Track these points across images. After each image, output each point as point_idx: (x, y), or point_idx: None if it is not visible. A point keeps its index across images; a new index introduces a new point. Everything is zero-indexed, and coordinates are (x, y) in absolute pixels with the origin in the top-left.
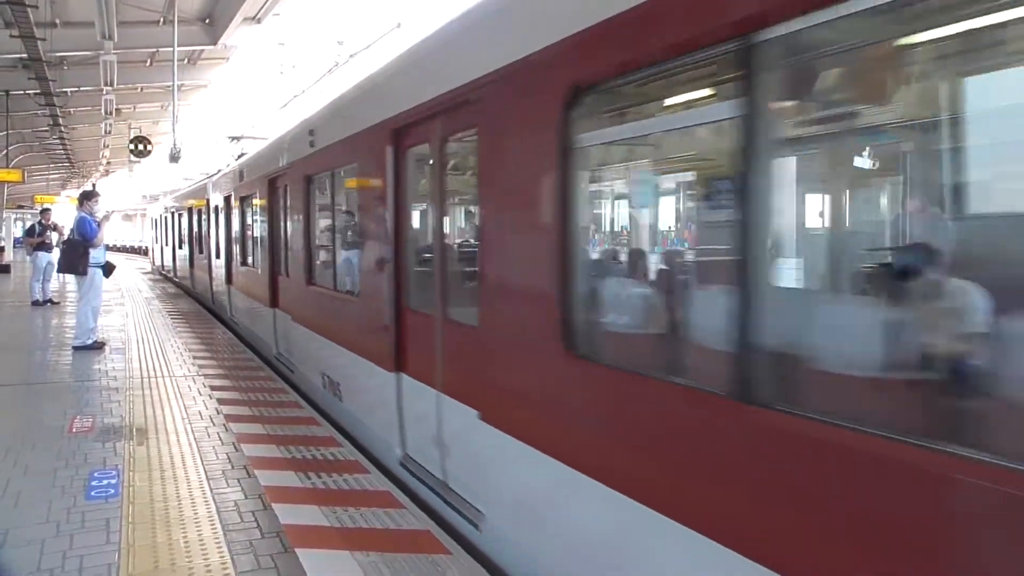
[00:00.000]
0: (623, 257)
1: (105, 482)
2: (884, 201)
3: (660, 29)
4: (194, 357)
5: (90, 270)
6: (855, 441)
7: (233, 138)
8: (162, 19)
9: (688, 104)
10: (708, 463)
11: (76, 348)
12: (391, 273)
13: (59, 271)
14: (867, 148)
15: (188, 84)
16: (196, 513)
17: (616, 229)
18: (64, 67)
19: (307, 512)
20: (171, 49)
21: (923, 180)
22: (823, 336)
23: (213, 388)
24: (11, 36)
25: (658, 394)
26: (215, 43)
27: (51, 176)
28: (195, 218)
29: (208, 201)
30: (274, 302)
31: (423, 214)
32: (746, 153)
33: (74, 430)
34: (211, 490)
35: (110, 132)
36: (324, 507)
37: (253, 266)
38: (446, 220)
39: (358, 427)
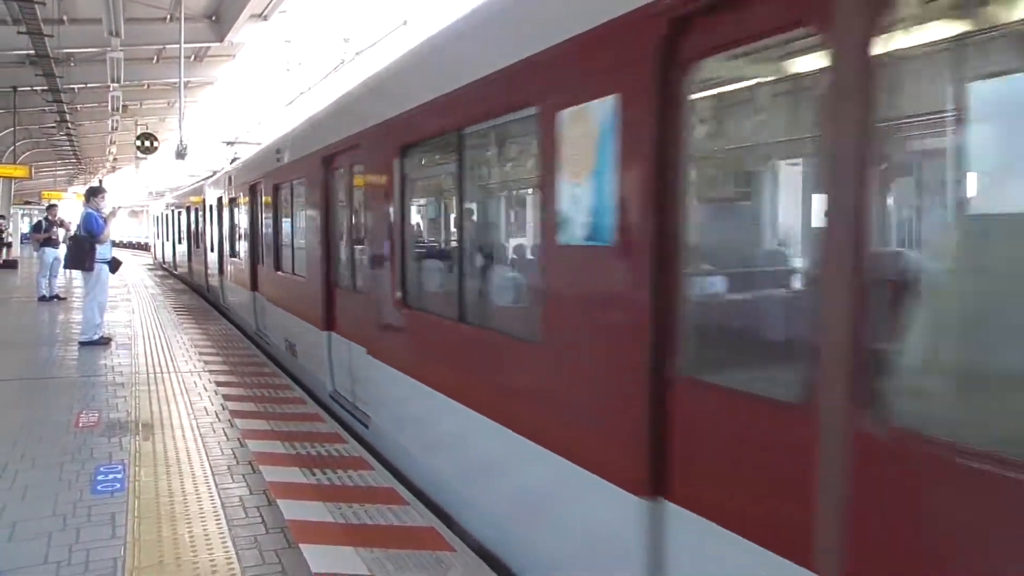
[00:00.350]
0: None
1: (111, 477)
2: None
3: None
4: (200, 353)
5: (96, 266)
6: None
7: (228, 142)
8: (169, 16)
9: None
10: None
11: (82, 344)
12: (324, 260)
13: (65, 267)
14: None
15: (195, 81)
16: (201, 508)
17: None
18: (71, 64)
19: (312, 508)
20: (178, 46)
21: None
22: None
23: (219, 384)
24: (19, 32)
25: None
26: (222, 40)
27: (58, 172)
28: (191, 216)
29: (204, 201)
30: (254, 287)
31: (344, 216)
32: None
33: (80, 425)
34: (216, 486)
35: (117, 129)
36: (329, 503)
37: (239, 258)
38: (355, 220)
39: (305, 375)
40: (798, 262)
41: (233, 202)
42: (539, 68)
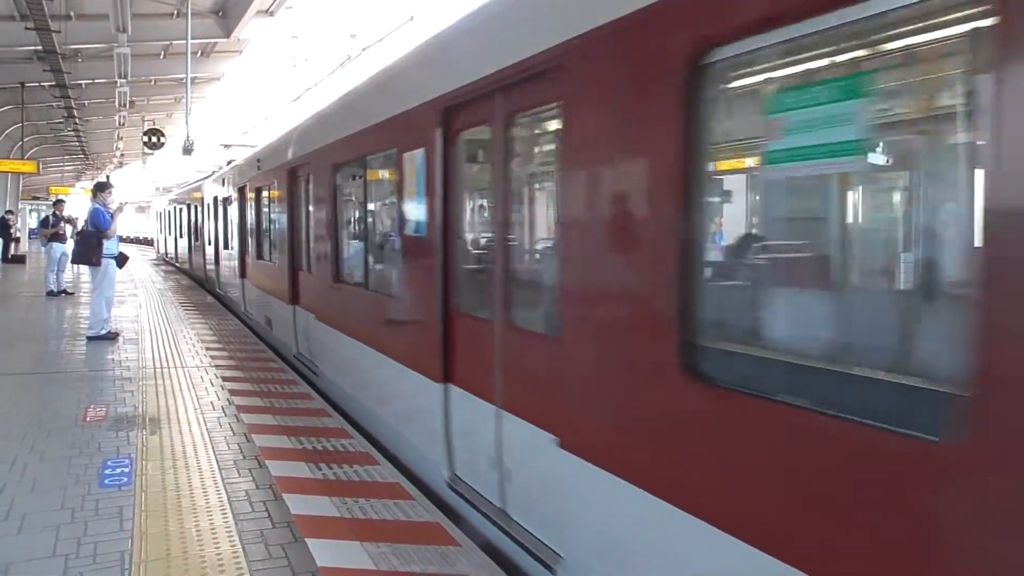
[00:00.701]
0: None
1: (119, 470)
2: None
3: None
4: (206, 348)
5: (103, 261)
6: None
7: (226, 145)
8: (176, 12)
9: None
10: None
11: (90, 338)
12: (290, 248)
13: (73, 262)
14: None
15: (201, 77)
16: (208, 502)
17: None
18: (79, 59)
19: (317, 503)
20: (184, 42)
21: None
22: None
23: (225, 379)
24: (26, 28)
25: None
26: (228, 36)
27: (65, 168)
28: (190, 214)
29: (201, 199)
30: (243, 275)
31: (302, 215)
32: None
33: (88, 419)
34: (223, 480)
35: (124, 124)
36: (334, 498)
37: (231, 250)
38: (310, 219)
39: (279, 345)
40: (493, 253)
41: (225, 201)
42: (396, 126)
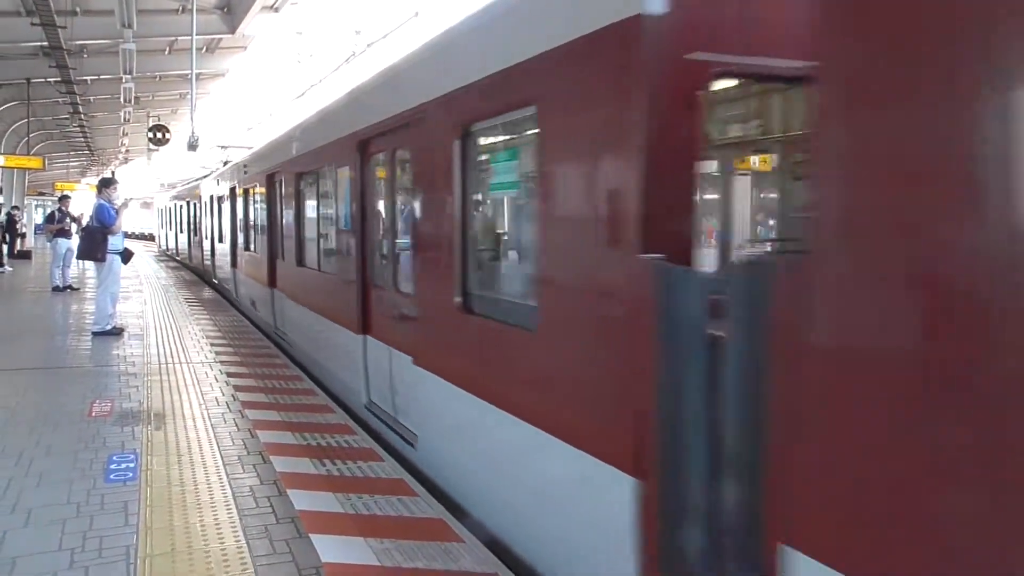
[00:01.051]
0: None
1: (124, 465)
2: None
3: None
4: (211, 344)
5: (108, 257)
6: None
7: (222, 146)
8: (181, 8)
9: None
10: None
11: (95, 334)
12: (269, 241)
13: (78, 257)
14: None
15: (206, 73)
16: (212, 497)
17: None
18: (84, 55)
19: (322, 499)
20: (189, 38)
21: None
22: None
23: (230, 375)
24: (32, 24)
25: None
26: (233, 32)
27: (71, 164)
28: (188, 211)
29: (199, 197)
30: (234, 264)
31: (285, 215)
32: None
33: (93, 414)
34: (227, 475)
35: (129, 120)
36: (338, 494)
37: (225, 244)
38: (287, 218)
39: (262, 324)
40: (387, 241)
41: (219, 200)
42: (330, 149)
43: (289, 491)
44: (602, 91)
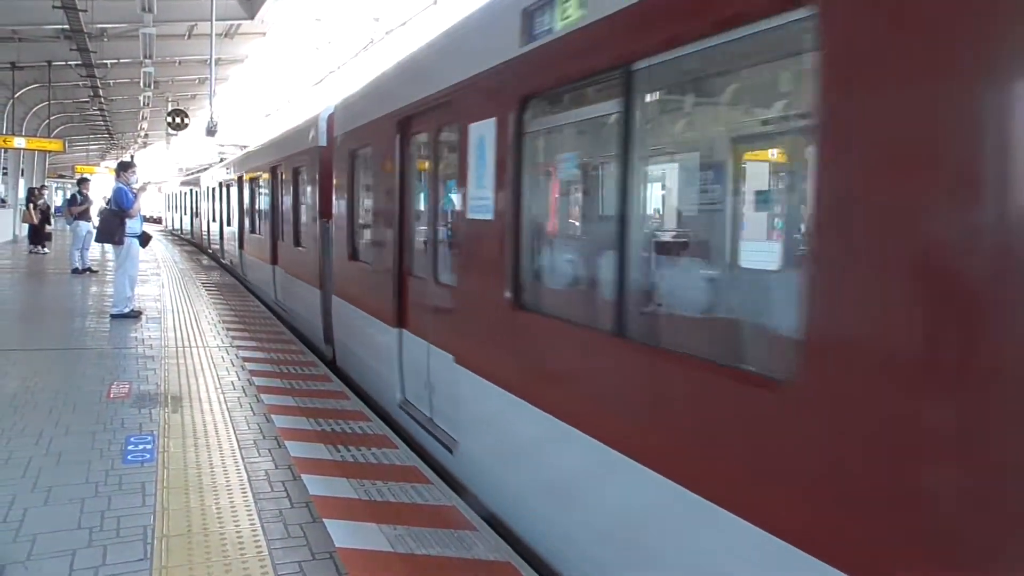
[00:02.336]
0: None
1: (141, 447)
2: None
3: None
4: (227, 328)
5: (126, 240)
6: None
7: (220, 144)
8: None
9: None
10: None
11: (113, 316)
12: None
13: (96, 240)
14: None
15: (225, 58)
16: (228, 481)
17: None
18: (104, 39)
19: (336, 484)
20: (209, 22)
21: None
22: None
23: (245, 360)
24: (54, 7)
25: None
26: (252, 17)
27: (91, 147)
28: (194, 197)
29: (201, 185)
30: (240, 246)
31: (257, 201)
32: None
33: (112, 395)
34: (243, 459)
35: (148, 104)
36: (352, 480)
37: (231, 226)
38: (264, 204)
39: (262, 295)
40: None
41: (224, 187)
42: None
43: (303, 476)
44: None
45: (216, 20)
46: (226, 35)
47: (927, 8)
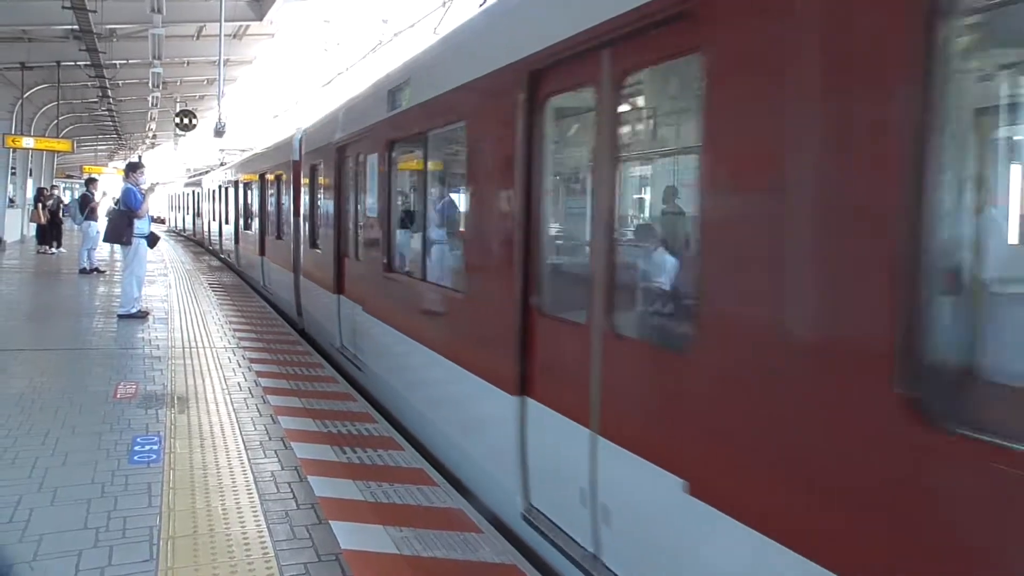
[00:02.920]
0: None
1: (147, 447)
2: None
3: None
4: (234, 329)
5: (134, 240)
6: None
7: (221, 149)
8: None
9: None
10: None
11: (121, 316)
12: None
13: (104, 240)
14: None
15: (234, 59)
16: (234, 482)
17: None
18: (114, 39)
19: (342, 486)
20: (218, 24)
21: None
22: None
23: (252, 361)
24: (63, 7)
25: None
26: (261, 19)
27: (99, 147)
28: (194, 198)
29: (202, 187)
30: (236, 241)
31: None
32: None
33: (118, 396)
34: (249, 460)
35: (156, 105)
36: (358, 481)
37: (229, 224)
38: (252, 205)
39: (252, 282)
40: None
41: (221, 190)
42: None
43: (309, 477)
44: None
45: (225, 21)
46: (235, 36)
47: None
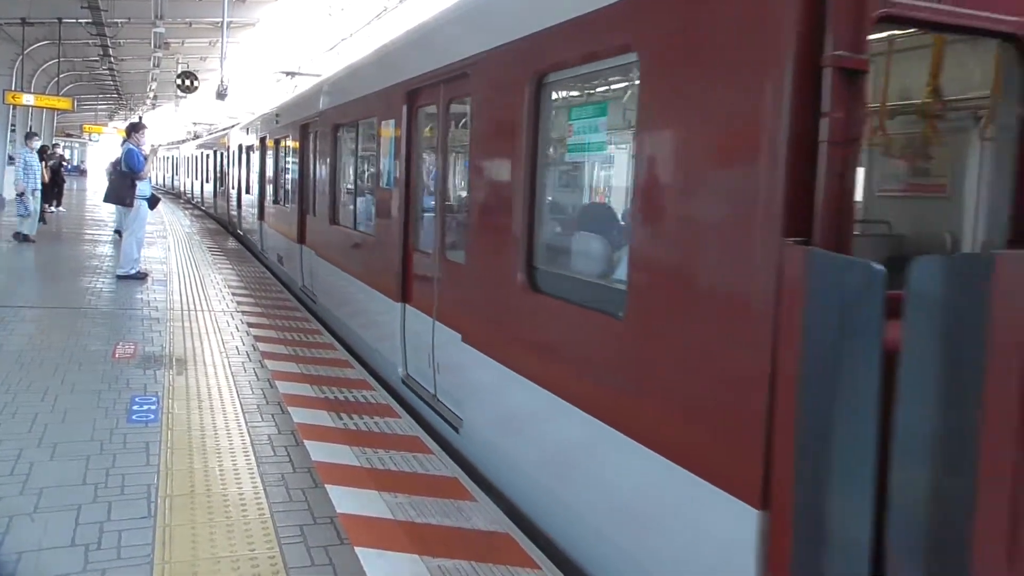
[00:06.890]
0: None
1: (145, 407)
2: None
3: None
4: (233, 293)
5: (136, 202)
6: None
7: (201, 123)
8: None
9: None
10: None
11: (120, 277)
12: (228, 188)
13: (105, 201)
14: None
15: (237, 21)
16: (231, 444)
17: None
18: None
19: (338, 451)
20: None
21: None
22: None
23: (250, 325)
24: None
25: None
26: None
27: (99, 107)
28: (187, 161)
29: (191, 153)
30: (226, 199)
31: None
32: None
33: (117, 356)
34: (246, 423)
35: (158, 66)
36: (354, 447)
37: (215, 185)
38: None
39: (231, 226)
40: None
41: (210, 155)
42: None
43: (306, 442)
44: None
45: None
46: None
47: None
